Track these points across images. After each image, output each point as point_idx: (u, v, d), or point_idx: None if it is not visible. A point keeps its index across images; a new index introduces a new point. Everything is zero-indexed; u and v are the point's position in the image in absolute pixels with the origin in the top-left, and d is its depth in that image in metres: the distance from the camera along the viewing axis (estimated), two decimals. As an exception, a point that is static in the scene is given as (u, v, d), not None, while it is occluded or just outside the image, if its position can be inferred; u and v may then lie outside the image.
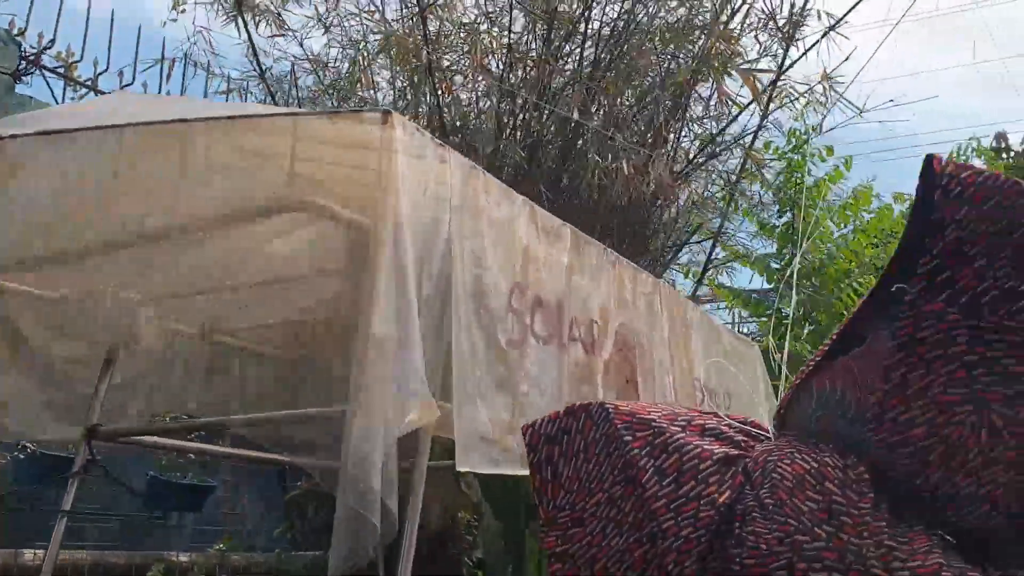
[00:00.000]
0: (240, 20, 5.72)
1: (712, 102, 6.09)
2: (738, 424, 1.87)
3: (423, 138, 2.26)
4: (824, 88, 6.47)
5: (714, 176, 6.71)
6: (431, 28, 5.66)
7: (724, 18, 6.08)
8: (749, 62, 6.11)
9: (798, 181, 8.15)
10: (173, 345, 3.21)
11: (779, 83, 6.34)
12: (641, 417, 1.77)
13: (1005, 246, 1.51)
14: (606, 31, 5.99)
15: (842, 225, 7.81)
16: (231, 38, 5.78)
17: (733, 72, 5.53)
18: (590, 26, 6.08)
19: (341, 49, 6.27)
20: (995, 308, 1.47)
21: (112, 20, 6.56)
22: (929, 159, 1.65)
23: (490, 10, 5.65)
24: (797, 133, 7.75)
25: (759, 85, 6.11)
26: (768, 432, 1.86)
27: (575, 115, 5.61)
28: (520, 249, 2.62)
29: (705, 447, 1.72)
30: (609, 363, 3.07)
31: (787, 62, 6.20)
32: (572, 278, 2.90)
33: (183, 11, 5.56)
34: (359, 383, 1.92)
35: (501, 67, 5.75)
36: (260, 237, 2.49)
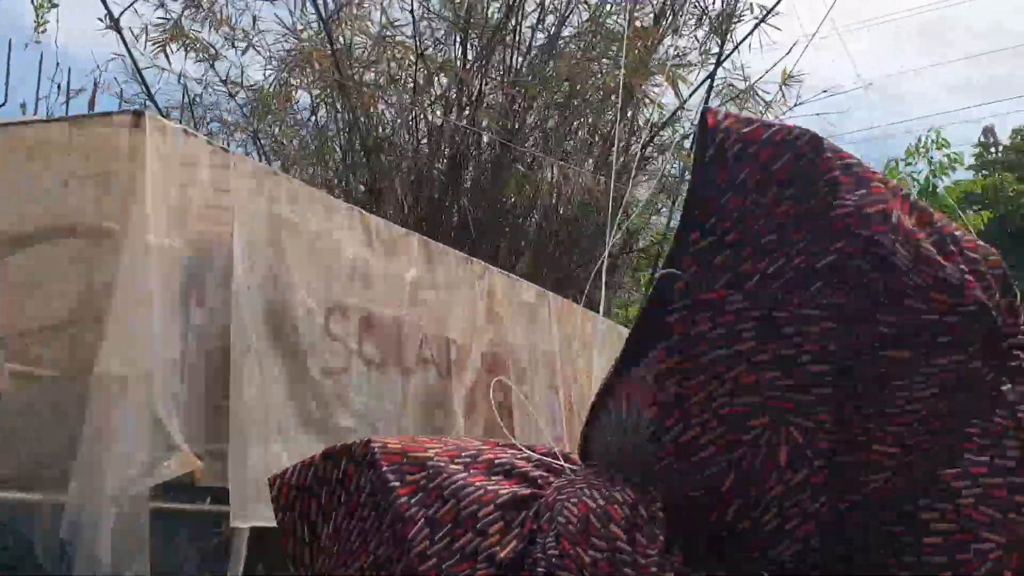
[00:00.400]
0: (167, 49, 5.48)
1: (640, 104, 5.81)
2: (538, 456, 1.58)
3: (194, 141, 1.97)
4: (780, 87, 6.23)
5: (655, 180, 6.42)
6: (343, 40, 5.40)
7: (664, 20, 5.85)
8: (678, 61, 5.84)
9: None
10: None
11: (716, 80, 6.07)
12: (414, 456, 1.46)
13: (801, 214, 1.21)
14: (528, 35, 5.73)
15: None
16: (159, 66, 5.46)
17: (656, 72, 5.25)
18: (519, 35, 5.83)
19: (263, 69, 6.00)
20: (790, 293, 1.18)
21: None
22: (704, 114, 1.37)
23: (402, 19, 5.40)
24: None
25: (690, 82, 5.85)
26: (575, 464, 1.58)
27: (493, 124, 5.33)
28: (344, 265, 2.33)
29: (489, 488, 1.42)
30: (475, 386, 2.77)
31: (730, 58, 5.95)
32: (420, 294, 2.60)
33: (44, 30, 5.22)
34: (86, 433, 1.63)
35: (419, 78, 5.49)
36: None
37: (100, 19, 4.60)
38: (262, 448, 1.98)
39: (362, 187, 5.56)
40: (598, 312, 3.81)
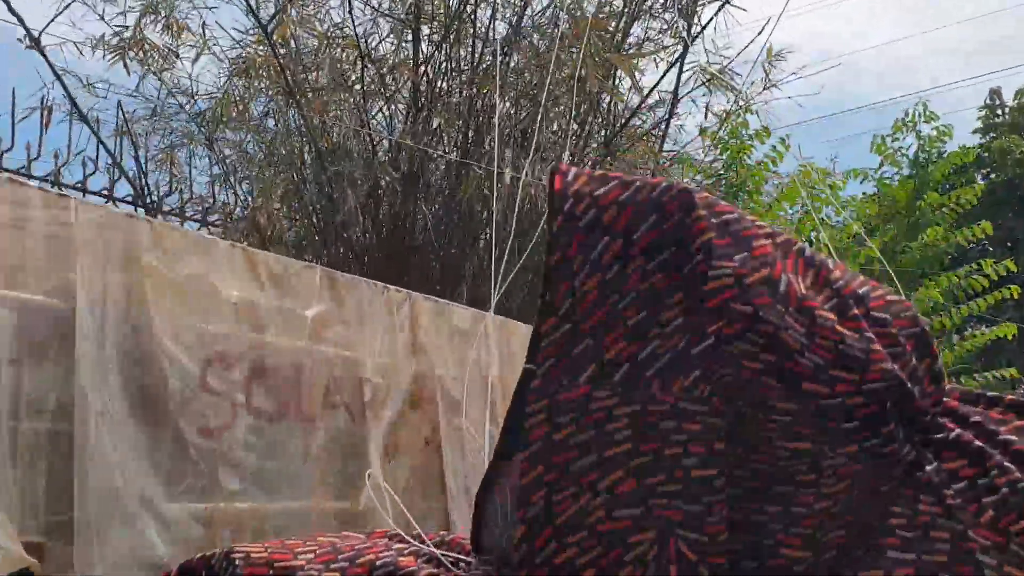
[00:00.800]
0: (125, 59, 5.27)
1: (614, 92, 5.57)
2: (428, 549, 1.42)
3: (22, 189, 1.75)
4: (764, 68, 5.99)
5: (631, 170, 6.19)
6: (291, 42, 5.16)
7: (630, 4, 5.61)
8: (648, 47, 5.60)
9: (738, 167, 7.66)
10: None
11: (689, 65, 5.82)
12: (283, 566, 1.35)
13: (672, 288, 1.05)
14: (487, 26, 5.49)
15: (789, 208, 7.30)
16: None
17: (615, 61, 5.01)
18: (476, 27, 5.59)
19: (218, 76, 5.78)
20: (665, 384, 1.02)
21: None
22: (551, 174, 1.18)
23: (351, 18, 5.16)
24: (732, 117, 7.27)
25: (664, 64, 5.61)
26: (467, 556, 1.42)
27: (454, 122, 5.10)
28: (225, 309, 2.11)
29: None
30: (396, 425, 2.55)
31: (705, 39, 5.70)
32: (325, 332, 2.38)
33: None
34: None
35: (366, 79, 5.26)
36: None
37: (20, 39, 4.37)
38: (126, 530, 1.77)
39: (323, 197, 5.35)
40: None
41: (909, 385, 1.03)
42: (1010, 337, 6.31)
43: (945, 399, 1.10)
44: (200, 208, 5.58)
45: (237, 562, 1.33)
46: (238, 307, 2.14)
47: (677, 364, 1.04)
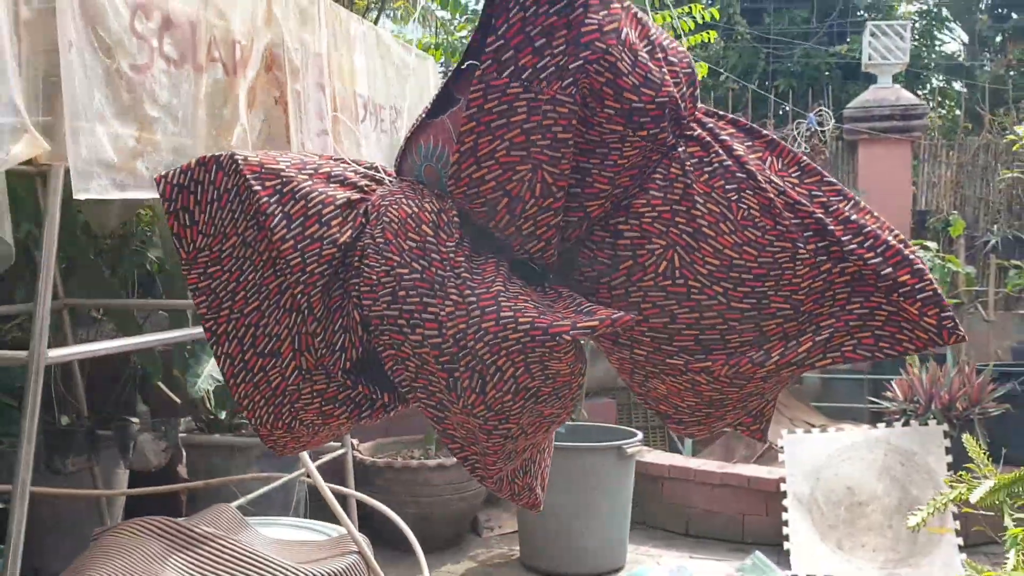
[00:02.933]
0: None
1: None
2: (363, 169, 2.03)
3: None
4: None
5: None
6: None
7: None
8: None
9: None
10: None
11: None
12: (269, 168, 1.85)
13: (558, 26, 1.71)
14: None
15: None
16: None
17: None
18: None
19: None
20: (551, 82, 1.70)
21: None
22: None
23: None
24: None
25: None
26: (392, 176, 2.04)
27: None
28: (143, -33, 2.52)
29: (329, 193, 1.84)
30: (255, 84, 3.10)
31: None
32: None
33: None
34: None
35: None
36: None
37: None
38: (91, 133, 2.30)
39: None
40: (363, 16, 4.12)
41: (679, 101, 1.74)
42: (701, 76, 7.48)
43: (697, 113, 1.81)
44: None
45: (239, 160, 1.88)
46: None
47: (559, 74, 1.71)
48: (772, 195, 1.75)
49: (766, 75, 14.89)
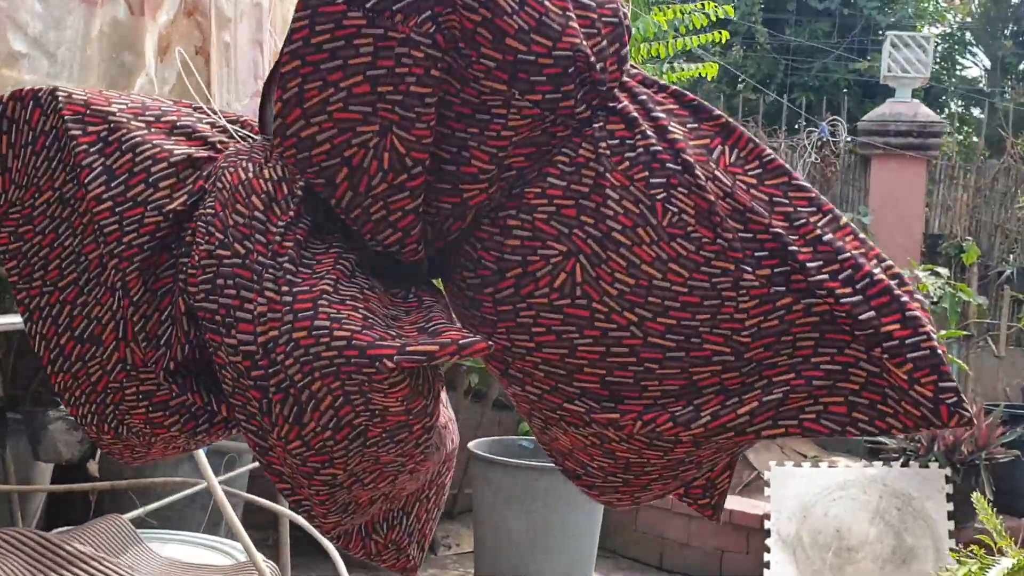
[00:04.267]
0: None
1: None
2: (224, 122, 1.64)
3: None
4: None
5: None
6: None
7: None
8: None
9: None
10: None
11: None
12: (97, 109, 1.52)
13: None
14: None
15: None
16: None
17: None
18: None
19: None
20: (407, 16, 1.27)
21: None
22: None
23: None
24: None
25: None
26: (257, 133, 1.66)
27: None
28: None
29: (166, 147, 1.53)
30: (171, 29, 2.65)
31: None
32: (112, -83, 2.38)
33: None
34: None
35: None
36: None
37: None
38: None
39: None
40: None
41: (593, 59, 1.29)
42: (710, 77, 7.06)
43: (627, 79, 1.38)
44: None
45: (60, 97, 1.52)
46: None
47: (416, 5, 1.24)
48: (714, 197, 1.29)
49: (784, 86, 14.49)
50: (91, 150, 1.46)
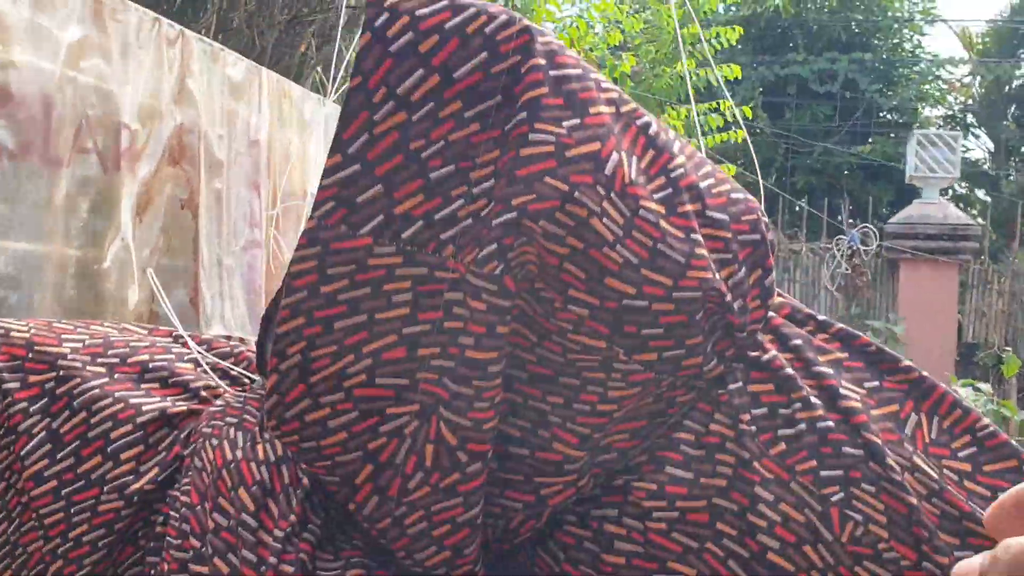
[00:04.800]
0: None
1: None
2: (213, 358, 1.23)
3: None
4: None
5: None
6: None
7: None
8: None
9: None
10: None
11: None
12: (43, 351, 1.15)
13: (484, 145, 0.86)
14: None
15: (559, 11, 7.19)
16: None
17: None
18: None
19: None
20: (459, 251, 0.86)
21: None
22: None
23: None
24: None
25: None
26: (254, 373, 1.26)
27: None
28: (-35, 15, 1.72)
29: (132, 401, 1.14)
30: (152, 181, 2.29)
31: None
32: (84, 62, 2.03)
33: None
34: None
35: None
36: None
37: None
38: None
39: None
40: (322, 93, 3.33)
41: (729, 298, 0.91)
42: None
43: (771, 315, 0.99)
44: None
45: None
46: (-17, 17, 1.75)
47: (475, 232, 0.88)
48: (916, 499, 0.92)
49: (784, 170, 14.31)
50: (31, 409, 1.10)
